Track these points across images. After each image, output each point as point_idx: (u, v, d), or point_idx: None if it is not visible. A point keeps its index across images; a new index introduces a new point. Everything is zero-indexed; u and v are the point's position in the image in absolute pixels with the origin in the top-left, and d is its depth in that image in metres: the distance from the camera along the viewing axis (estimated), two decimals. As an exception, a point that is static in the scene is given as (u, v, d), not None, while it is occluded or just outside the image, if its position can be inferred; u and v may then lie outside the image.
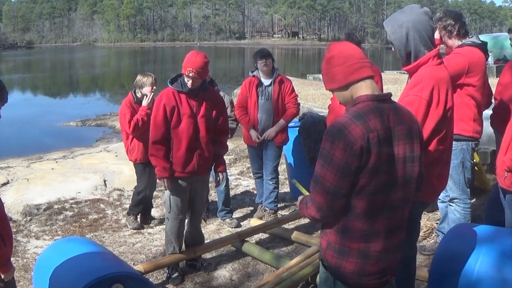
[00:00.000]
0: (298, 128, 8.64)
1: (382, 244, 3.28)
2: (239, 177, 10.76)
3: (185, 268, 6.54)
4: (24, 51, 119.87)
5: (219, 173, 6.37)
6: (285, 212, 8.42)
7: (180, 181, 5.98)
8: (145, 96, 7.39)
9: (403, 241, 3.48)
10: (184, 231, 6.36)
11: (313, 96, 18.94)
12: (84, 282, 4.22)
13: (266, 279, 5.71)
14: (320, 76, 26.43)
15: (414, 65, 4.20)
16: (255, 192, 9.31)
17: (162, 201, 6.24)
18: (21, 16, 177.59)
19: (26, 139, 18.35)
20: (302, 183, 8.63)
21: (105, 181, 10.88)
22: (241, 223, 8.16)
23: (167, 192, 6.03)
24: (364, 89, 3.23)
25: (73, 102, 31.37)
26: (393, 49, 4.31)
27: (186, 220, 6.34)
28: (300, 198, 3.63)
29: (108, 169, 11.75)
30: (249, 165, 10.85)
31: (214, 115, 6.03)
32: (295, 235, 7.11)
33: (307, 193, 3.57)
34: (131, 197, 9.12)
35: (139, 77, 7.51)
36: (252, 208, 8.84)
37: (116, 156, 13.22)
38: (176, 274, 6.21)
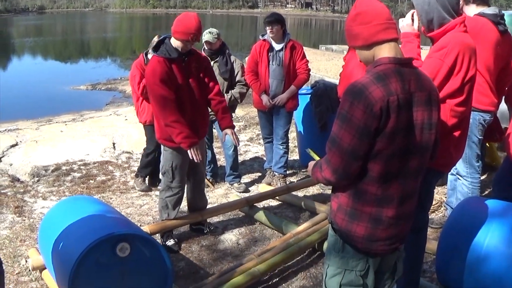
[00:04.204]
0: (309, 95, 8.55)
1: (394, 210, 3.21)
2: (249, 143, 10.72)
3: (191, 231, 6.54)
4: (36, 16, 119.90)
5: (226, 129, 5.95)
6: (293, 179, 8.38)
7: (182, 151, 5.74)
8: None
9: (414, 210, 3.43)
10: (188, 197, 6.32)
11: (325, 66, 18.83)
12: (89, 240, 4.18)
13: (272, 243, 5.69)
14: (333, 47, 26.56)
15: (440, 31, 4.16)
16: (264, 158, 9.26)
17: (161, 170, 6.06)
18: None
19: (35, 102, 18.34)
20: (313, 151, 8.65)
21: (114, 144, 10.91)
22: (249, 188, 8.13)
23: (168, 162, 5.86)
24: (387, 51, 3.12)
25: (83, 66, 31.33)
26: (415, 13, 4.26)
27: (188, 186, 6.25)
28: (311, 163, 3.53)
29: (117, 132, 11.78)
30: (259, 132, 10.83)
31: (202, 75, 5.81)
32: (303, 202, 7.08)
33: None
34: (139, 159, 9.11)
35: (154, 39, 7.41)
36: (260, 174, 8.82)
37: (126, 119, 13.22)
38: (172, 242, 6.13)
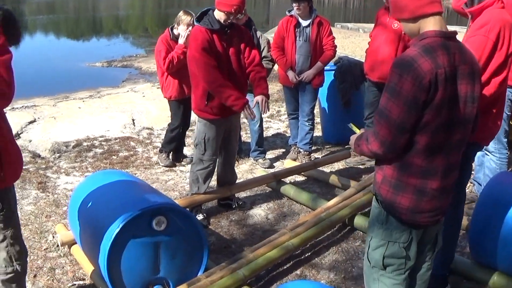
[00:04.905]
0: (333, 71, 8.50)
1: (439, 182, 3.25)
2: (270, 119, 10.63)
3: (219, 206, 6.55)
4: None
5: (258, 96, 5.81)
6: (317, 155, 8.35)
7: (217, 123, 5.78)
8: (180, 35, 7.26)
9: (456, 182, 3.44)
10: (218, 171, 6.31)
11: (342, 44, 18.71)
12: (126, 214, 4.16)
13: (304, 218, 5.67)
14: (348, 25, 26.46)
15: (479, 7, 4.23)
16: (286, 134, 9.28)
17: (194, 142, 6.07)
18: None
19: (51, 78, 18.22)
20: (335, 127, 8.61)
21: (133, 120, 10.84)
22: (274, 164, 8.09)
23: (201, 134, 5.84)
24: (432, 24, 3.14)
25: (97, 44, 31.11)
26: None
27: (219, 160, 6.22)
28: (354, 136, 3.55)
29: (136, 108, 11.72)
30: (279, 109, 10.83)
31: (243, 48, 5.80)
32: (330, 178, 7.08)
33: None
34: (161, 135, 9.09)
35: (180, 14, 7.38)
36: (283, 150, 8.79)
37: (143, 96, 13.17)
38: (201, 216, 6.10)
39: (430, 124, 3.07)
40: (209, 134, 5.81)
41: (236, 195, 6.63)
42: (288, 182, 7.06)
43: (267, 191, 7.00)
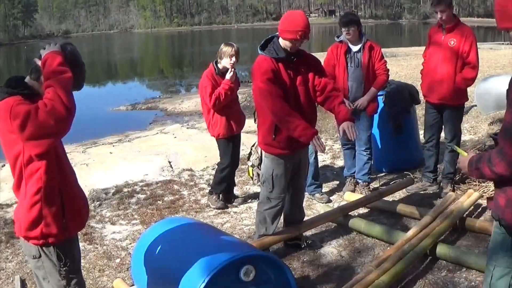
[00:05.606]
0: (381, 96, 8.17)
1: None
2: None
3: (286, 247, 6.15)
4: (62, 41, 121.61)
5: (343, 123, 5.33)
6: (374, 184, 7.97)
7: (285, 158, 5.45)
8: (229, 70, 6.99)
9: None
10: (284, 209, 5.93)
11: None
12: (211, 266, 3.83)
13: (387, 252, 5.31)
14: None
15: None
16: (334, 166, 8.97)
17: (261, 179, 5.74)
18: (56, 6, 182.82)
19: (76, 124, 17.93)
20: (387, 154, 8.27)
21: (170, 162, 10.49)
22: (330, 198, 7.70)
23: (269, 170, 5.52)
24: None
25: (115, 88, 31.30)
26: None
27: (286, 197, 5.83)
28: (465, 159, 3.32)
29: (170, 150, 11.36)
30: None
31: (311, 77, 5.46)
32: (398, 207, 6.73)
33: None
34: (203, 177, 8.76)
35: (221, 47, 7.10)
36: (337, 182, 8.42)
37: (175, 137, 12.87)
38: None
39: None
40: (277, 170, 5.49)
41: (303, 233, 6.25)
42: (353, 215, 6.69)
43: (333, 226, 6.63)
